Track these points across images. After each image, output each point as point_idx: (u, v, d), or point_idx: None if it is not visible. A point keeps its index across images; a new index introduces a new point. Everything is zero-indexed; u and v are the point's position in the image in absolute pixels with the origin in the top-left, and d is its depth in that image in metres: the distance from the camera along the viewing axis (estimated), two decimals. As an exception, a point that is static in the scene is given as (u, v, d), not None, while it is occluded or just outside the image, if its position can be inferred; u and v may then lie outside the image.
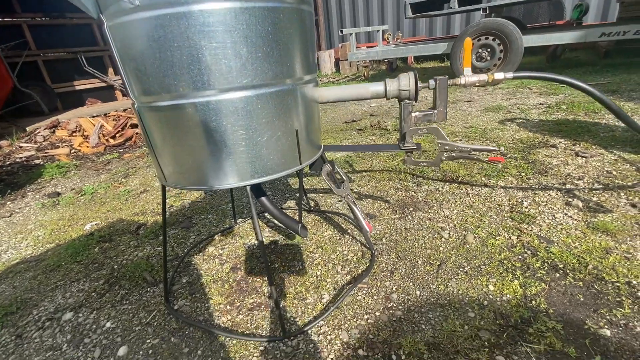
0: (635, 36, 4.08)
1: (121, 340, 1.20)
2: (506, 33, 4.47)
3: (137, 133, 4.40)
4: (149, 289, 1.45)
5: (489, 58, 4.76)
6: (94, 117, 4.75)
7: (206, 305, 1.32)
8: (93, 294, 1.46)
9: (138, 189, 2.66)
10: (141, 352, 1.14)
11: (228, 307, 1.29)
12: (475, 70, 4.89)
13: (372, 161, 2.59)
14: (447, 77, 1.15)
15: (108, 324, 1.28)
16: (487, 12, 5.10)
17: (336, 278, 1.38)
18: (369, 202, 1.97)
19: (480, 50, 4.74)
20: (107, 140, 4.23)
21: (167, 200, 2.36)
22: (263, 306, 1.27)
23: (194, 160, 0.97)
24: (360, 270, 1.40)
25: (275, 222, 1.90)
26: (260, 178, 1.01)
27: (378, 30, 6.65)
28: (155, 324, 1.25)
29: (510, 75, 1.15)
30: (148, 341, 1.18)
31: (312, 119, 1.12)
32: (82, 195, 2.64)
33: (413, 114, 1.22)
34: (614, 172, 1.93)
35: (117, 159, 3.63)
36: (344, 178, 1.37)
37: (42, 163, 3.61)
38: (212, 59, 0.84)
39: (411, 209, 1.83)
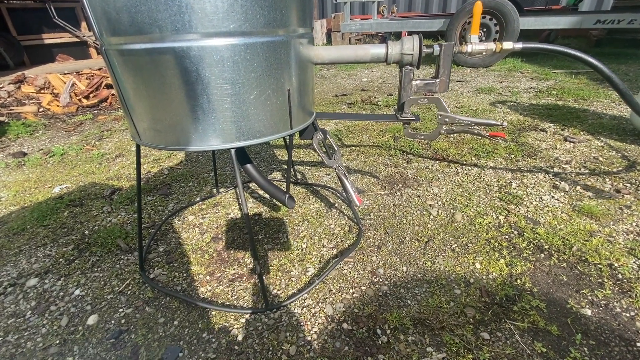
0: (629, 25, 4.07)
1: (91, 309, 1.12)
2: (504, 13, 4.36)
3: (113, 94, 4.11)
4: (122, 257, 1.36)
5: (483, 39, 4.66)
6: (65, 74, 4.39)
7: (184, 275, 1.25)
8: (61, 260, 1.37)
9: (113, 152, 2.49)
10: (112, 322, 1.07)
11: (208, 277, 1.23)
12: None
13: (362, 136, 2.51)
14: (453, 43, 1.06)
15: (77, 292, 1.20)
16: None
17: (322, 251, 1.33)
18: (357, 177, 1.92)
19: (476, 30, 4.63)
20: (79, 100, 3.94)
21: (144, 166, 2.23)
22: (245, 277, 1.22)
23: (172, 117, 0.86)
24: (347, 245, 1.36)
25: (260, 192, 1.82)
26: (246, 141, 0.92)
27: (373, 2, 6.38)
28: (129, 292, 1.18)
29: (519, 45, 1.08)
30: (120, 310, 1.11)
31: (306, 79, 1.02)
32: (50, 157, 2.45)
33: (414, 82, 1.14)
34: (600, 158, 1.95)
35: (91, 120, 3.39)
36: (336, 149, 1.29)
37: (6, 120, 3.32)
38: (194, -5, 0.72)
39: (400, 185, 1.80)
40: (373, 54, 1.11)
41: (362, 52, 1.11)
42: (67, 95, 3.89)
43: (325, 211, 1.60)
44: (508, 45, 1.08)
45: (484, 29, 4.61)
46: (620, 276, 1.14)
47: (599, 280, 1.13)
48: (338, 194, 1.75)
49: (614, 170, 1.81)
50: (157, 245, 1.42)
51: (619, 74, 3.93)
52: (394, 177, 1.89)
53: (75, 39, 6.24)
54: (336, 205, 1.65)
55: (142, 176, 2.07)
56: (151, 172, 2.11)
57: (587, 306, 1.04)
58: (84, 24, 6.35)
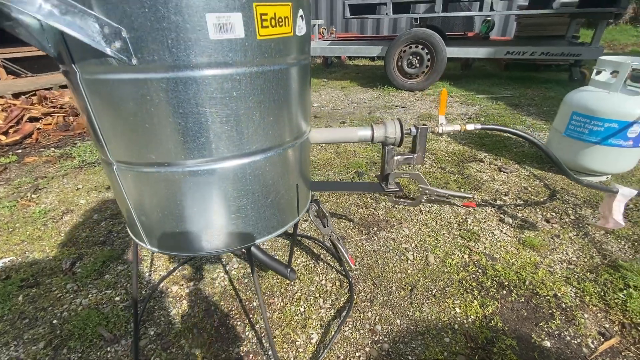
0: (531, 57, 4.89)
1: (88, 422, 1.04)
2: (433, 44, 4.91)
3: (38, 129, 3.64)
4: (109, 349, 1.26)
5: (417, 65, 5.17)
6: (-30, 106, 3.75)
7: (186, 361, 1.22)
8: (32, 363, 1.22)
9: (58, 208, 2.23)
10: None
11: (212, 360, 1.22)
12: (406, 75, 5.30)
13: (328, 172, 2.63)
14: (427, 126, 1.24)
15: (64, 403, 1.09)
16: (418, 21, 5.55)
17: (320, 313, 1.40)
18: (333, 221, 2.02)
19: (410, 57, 5.12)
20: (-5, 138, 3.40)
21: (102, 223, 2.04)
22: (251, 355, 1.23)
23: (185, 227, 0.87)
24: (341, 302, 1.45)
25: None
26: (261, 238, 0.96)
27: (314, 25, 6.63)
28: (128, 393, 1.11)
29: (479, 126, 1.30)
30: (125, 418, 1.04)
31: (307, 164, 1.10)
32: (-24, 220, 2.10)
33: (395, 158, 1.29)
34: (529, 188, 2.34)
35: (17, 163, 2.96)
36: (327, 215, 1.38)
37: None
38: (222, 127, 0.75)
39: (375, 228, 1.94)
40: (360, 136, 1.23)
41: (351, 134, 1.22)
42: (-21, 134, 3.33)
43: (313, 265, 1.67)
44: (470, 126, 1.29)
45: (417, 57, 5.13)
46: (564, 305, 1.42)
47: (550, 311, 1.39)
48: (320, 244, 1.83)
49: (541, 200, 2.19)
50: (146, 328, 1.35)
51: (527, 98, 4.69)
52: (367, 219, 2.04)
53: (-25, 59, 5.33)
54: (321, 256, 1.73)
55: (95, 230, 1.90)
56: (114, 231, 1.95)
57: (546, 338, 1.28)
58: (-13, 41, 5.46)
